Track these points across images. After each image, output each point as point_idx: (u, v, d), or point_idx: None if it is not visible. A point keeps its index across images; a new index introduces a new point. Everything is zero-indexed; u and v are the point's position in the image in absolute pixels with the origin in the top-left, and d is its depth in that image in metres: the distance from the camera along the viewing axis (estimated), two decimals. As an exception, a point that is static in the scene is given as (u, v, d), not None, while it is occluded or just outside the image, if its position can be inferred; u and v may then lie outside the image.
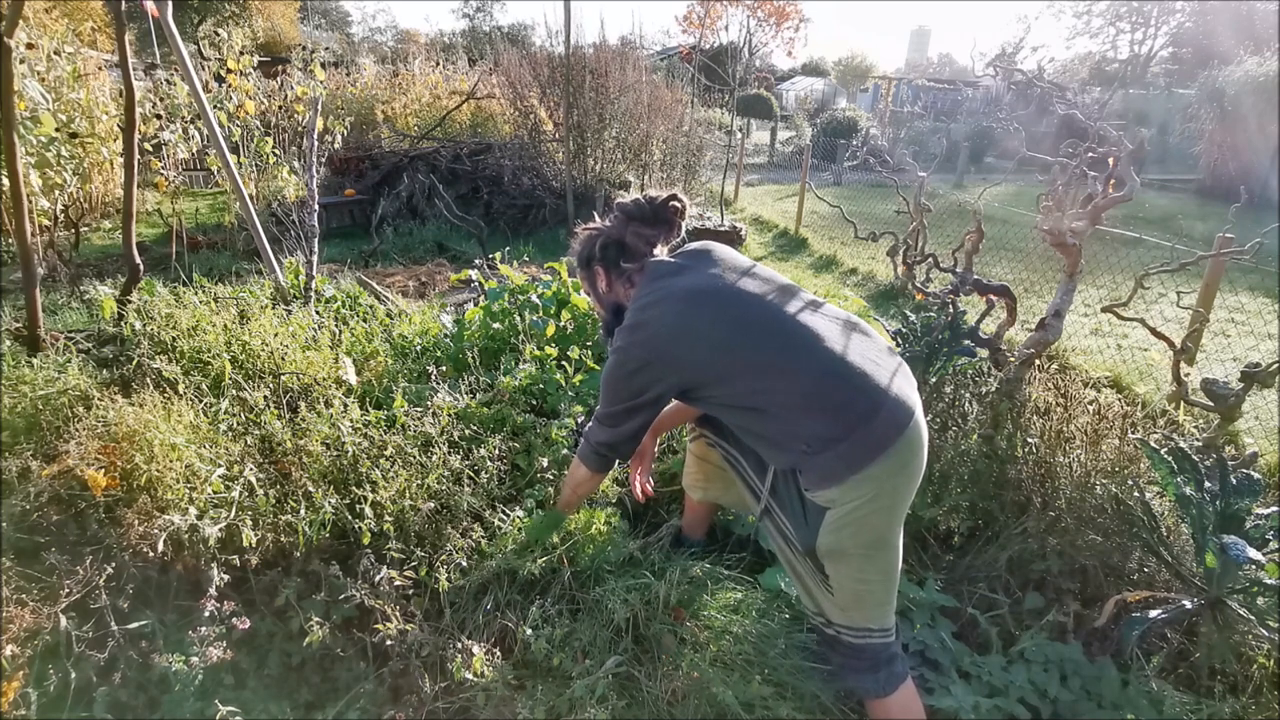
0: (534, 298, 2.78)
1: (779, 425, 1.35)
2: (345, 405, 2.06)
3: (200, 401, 2.07)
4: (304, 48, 7.07)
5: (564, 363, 2.41)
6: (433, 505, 1.83)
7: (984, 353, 2.59)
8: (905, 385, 1.36)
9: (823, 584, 1.43)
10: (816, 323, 1.39)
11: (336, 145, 6.61)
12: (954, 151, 12.68)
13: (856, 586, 1.39)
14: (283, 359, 2.37)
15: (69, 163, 4.49)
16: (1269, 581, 1.61)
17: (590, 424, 1.59)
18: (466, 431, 2.06)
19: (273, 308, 2.76)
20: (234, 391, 2.11)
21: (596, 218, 1.66)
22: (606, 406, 1.52)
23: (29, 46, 4.50)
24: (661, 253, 1.58)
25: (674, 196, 1.57)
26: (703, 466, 1.84)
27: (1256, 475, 1.74)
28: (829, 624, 1.47)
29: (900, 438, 1.29)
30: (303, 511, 1.71)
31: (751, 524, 2.05)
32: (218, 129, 3.10)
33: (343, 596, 1.59)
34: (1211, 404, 2.35)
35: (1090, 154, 2.24)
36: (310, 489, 1.78)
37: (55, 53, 4.72)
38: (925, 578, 1.92)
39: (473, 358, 2.46)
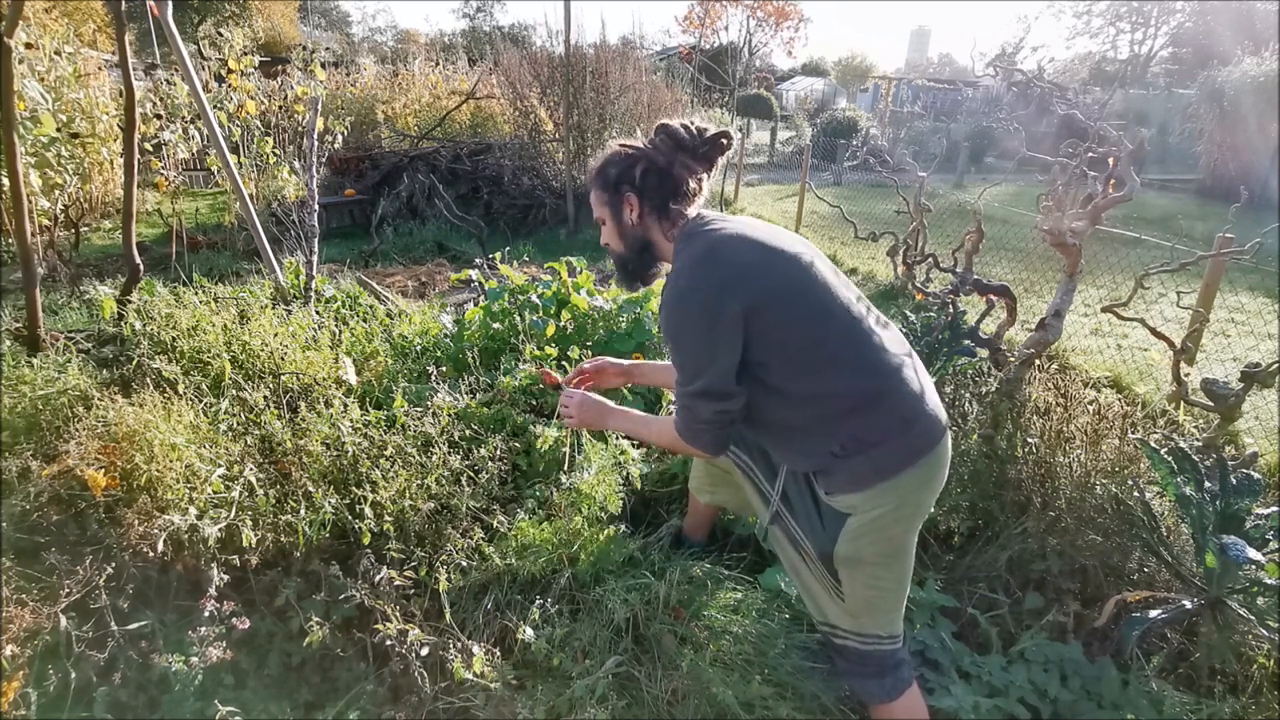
0: (534, 298, 2.78)
1: (818, 421, 1.28)
2: (345, 405, 2.07)
3: (200, 401, 2.07)
4: (304, 48, 7.07)
5: (564, 363, 2.41)
6: (433, 505, 1.83)
7: (984, 353, 2.59)
8: (936, 396, 1.34)
9: (833, 590, 1.39)
10: (869, 320, 1.32)
11: (336, 145, 6.61)
12: (954, 151, 12.67)
13: (869, 593, 1.35)
14: (283, 359, 2.37)
15: (69, 163, 4.49)
16: (1269, 581, 1.61)
17: (692, 404, 1.31)
18: (466, 431, 2.06)
19: (273, 308, 2.76)
20: (234, 391, 2.11)
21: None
22: (702, 373, 1.26)
23: (29, 46, 4.50)
24: (702, 200, 1.42)
25: (726, 133, 1.39)
26: (710, 470, 1.80)
27: (1256, 475, 1.74)
28: (836, 631, 1.43)
29: (932, 450, 1.28)
30: (303, 511, 1.71)
31: (752, 523, 2.05)
32: (218, 129, 3.10)
33: (343, 596, 1.59)
34: (1211, 404, 2.35)
35: (1090, 154, 2.24)
36: (310, 489, 1.78)
37: (55, 53, 4.72)
38: (925, 578, 1.92)
39: (473, 358, 2.46)
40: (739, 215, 1.40)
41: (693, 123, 1.38)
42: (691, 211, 1.40)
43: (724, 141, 1.39)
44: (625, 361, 1.81)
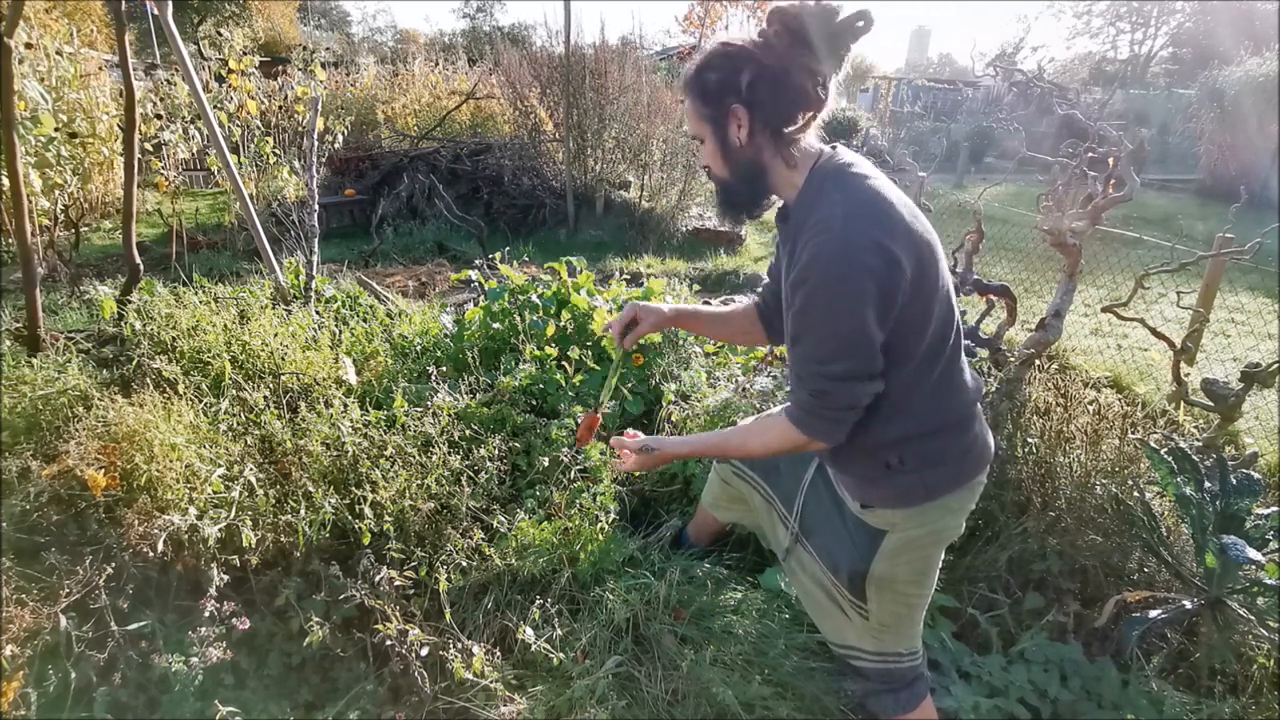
0: (534, 298, 2.78)
1: (895, 433, 1.17)
2: (345, 405, 2.07)
3: (200, 401, 2.07)
4: (304, 48, 7.06)
5: (564, 363, 2.41)
6: (433, 505, 1.83)
7: (984, 353, 2.59)
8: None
9: (856, 611, 1.34)
10: (962, 329, 1.21)
11: (336, 145, 6.60)
12: (954, 151, 12.68)
13: (898, 609, 1.31)
14: (283, 359, 2.37)
15: (69, 163, 4.49)
16: (1269, 581, 1.61)
17: (835, 388, 1.09)
18: (466, 431, 2.06)
19: (273, 308, 2.76)
20: (234, 391, 2.11)
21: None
22: (856, 350, 1.05)
23: (28, 46, 4.49)
24: (827, 113, 1.13)
25: (865, 13, 1.03)
26: (727, 490, 1.75)
27: (1256, 475, 1.74)
28: (854, 652, 1.38)
29: (979, 476, 1.25)
30: (303, 511, 1.71)
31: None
32: (218, 129, 3.10)
33: (343, 596, 1.59)
34: (1211, 404, 2.34)
35: (1090, 154, 2.24)
36: (310, 489, 1.78)
37: (56, 53, 4.71)
38: (925, 578, 1.92)
39: (473, 358, 2.46)
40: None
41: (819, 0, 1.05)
42: (812, 135, 1.13)
43: (860, 25, 1.04)
44: (660, 306, 1.53)
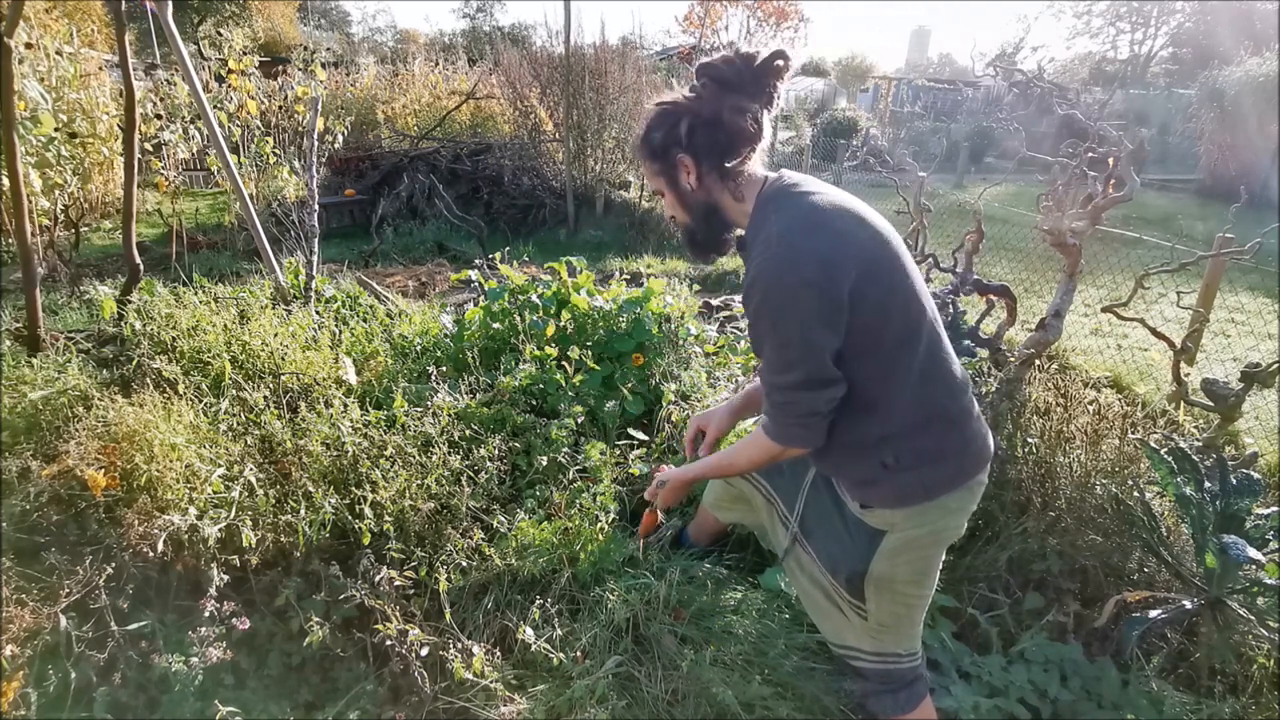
0: (534, 298, 2.78)
1: (878, 431, 1.19)
2: (345, 405, 2.07)
3: (200, 401, 2.07)
4: (304, 48, 7.06)
5: (564, 363, 2.41)
6: (433, 505, 1.83)
7: (984, 353, 2.59)
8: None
9: (855, 611, 1.34)
10: (939, 323, 1.23)
11: (336, 145, 6.60)
12: (954, 151, 12.67)
13: (897, 609, 1.32)
14: (283, 359, 2.37)
15: (69, 163, 4.49)
16: (1269, 581, 1.61)
17: (793, 398, 1.15)
18: (466, 431, 2.06)
19: (273, 308, 2.76)
20: (234, 391, 2.11)
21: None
22: (806, 360, 1.11)
23: (28, 46, 4.49)
24: (766, 144, 1.22)
25: (780, 53, 1.16)
26: (728, 490, 1.73)
27: (1256, 475, 1.74)
28: (853, 653, 1.39)
29: (980, 473, 1.25)
30: (303, 511, 1.71)
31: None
32: (218, 129, 3.10)
33: (343, 596, 1.59)
34: (1211, 404, 2.34)
35: (1090, 154, 2.25)
36: (310, 489, 1.78)
37: (56, 52, 4.71)
38: (925, 578, 1.92)
39: (473, 358, 2.46)
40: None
41: (738, 50, 1.16)
42: (756, 163, 1.22)
43: (779, 64, 1.16)
44: (719, 409, 1.60)
